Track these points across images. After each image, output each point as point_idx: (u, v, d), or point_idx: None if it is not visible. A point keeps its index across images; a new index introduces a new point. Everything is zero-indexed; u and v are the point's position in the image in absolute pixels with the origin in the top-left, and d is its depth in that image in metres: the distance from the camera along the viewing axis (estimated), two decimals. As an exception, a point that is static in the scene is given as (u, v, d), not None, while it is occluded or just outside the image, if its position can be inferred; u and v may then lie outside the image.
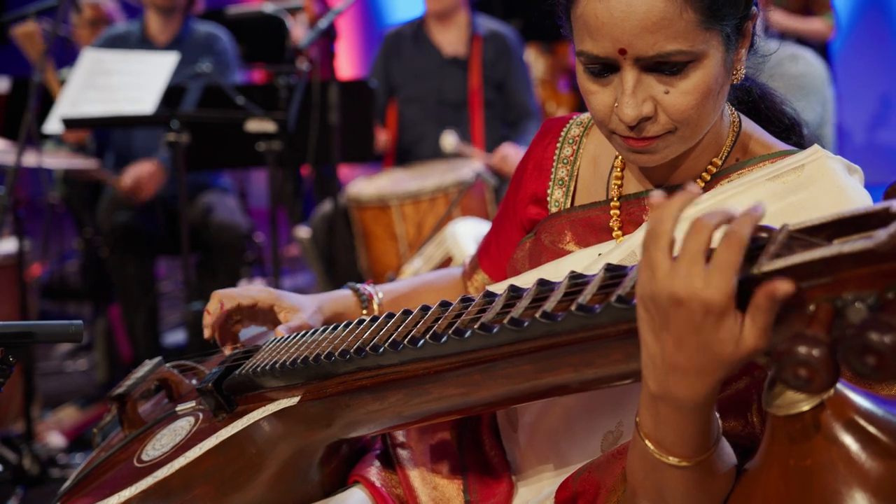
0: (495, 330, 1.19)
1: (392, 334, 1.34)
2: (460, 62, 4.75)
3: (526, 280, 1.48)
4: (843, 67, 6.76)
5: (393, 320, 1.39)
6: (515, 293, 1.26)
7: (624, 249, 1.43)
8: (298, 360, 1.43)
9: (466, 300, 1.32)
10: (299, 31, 5.35)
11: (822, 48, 5.55)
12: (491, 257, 1.74)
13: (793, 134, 1.54)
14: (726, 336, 0.98)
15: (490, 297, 1.29)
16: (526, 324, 1.16)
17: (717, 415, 1.14)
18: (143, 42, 4.53)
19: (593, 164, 1.59)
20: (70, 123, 3.29)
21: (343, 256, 4.30)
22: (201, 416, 1.58)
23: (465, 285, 1.80)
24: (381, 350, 1.32)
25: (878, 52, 7.70)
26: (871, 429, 1.04)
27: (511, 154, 4.45)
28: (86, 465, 1.67)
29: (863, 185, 1.39)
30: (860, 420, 1.04)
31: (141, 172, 4.17)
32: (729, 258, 0.97)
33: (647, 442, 1.13)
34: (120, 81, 3.45)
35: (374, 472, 1.55)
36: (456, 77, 4.75)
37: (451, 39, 4.78)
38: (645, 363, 1.07)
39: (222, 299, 1.65)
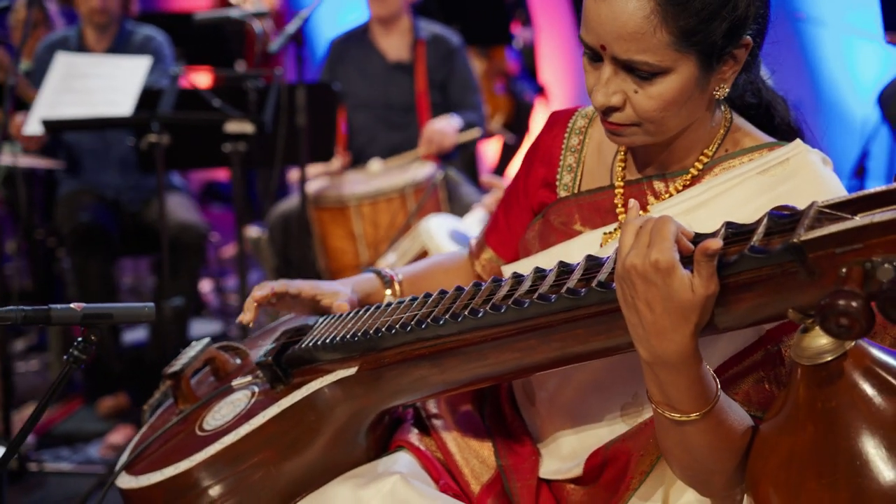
0: (553, 299, 1.37)
1: (449, 307, 1.51)
2: (405, 67, 4.88)
3: (542, 259, 1.66)
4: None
5: (448, 296, 1.55)
6: (565, 268, 1.43)
7: None
8: (359, 334, 1.58)
9: (518, 276, 1.49)
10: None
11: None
12: (499, 234, 1.89)
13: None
14: (679, 285, 1.24)
15: (541, 272, 1.46)
16: (583, 292, 1.34)
17: (713, 374, 1.36)
18: (81, 50, 4.53)
19: (598, 152, 1.76)
20: (50, 125, 3.37)
21: (300, 255, 4.43)
22: (257, 389, 1.72)
23: (473, 265, 1.96)
24: (442, 321, 1.48)
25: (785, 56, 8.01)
26: (885, 374, 1.23)
27: (433, 134, 4.59)
28: (141, 439, 1.79)
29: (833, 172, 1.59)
30: (875, 368, 1.23)
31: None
32: (663, 229, 1.26)
33: (659, 409, 1.36)
34: (95, 84, 3.54)
35: (415, 438, 1.72)
36: (402, 82, 4.88)
37: (395, 45, 4.92)
38: (633, 337, 1.32)
39: (274, 289, 1.80)
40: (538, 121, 7.57)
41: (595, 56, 1.52)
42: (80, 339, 1.60)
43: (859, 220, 1.13)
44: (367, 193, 4.37)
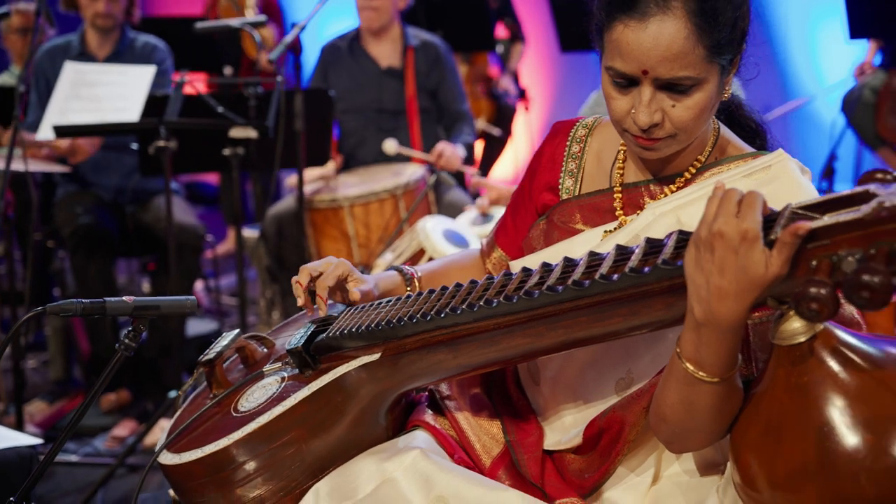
0: (560, 289, 1.55)
1: (465, 298, 1.69)
2: (396, 72, 5.04)
3: (547, 254, 1.85)
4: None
5: (463, 288, 1.73)
6: (570, 262, 1.61)
7: (628, 232, 1.79)
8: (382, 323, 1.76)
9: (527, 270, 1.67)
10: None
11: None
12: (508, 235, 2.08)
13: (758, 137, 1.93)
14: (758, 258, 1.33)
15: (548, 266, 1.64)
16: (587, 284, 1.52)
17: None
18: (83, 56, 4.63)
19: (597, 159, 1.95)
20: (61, 131, 3.52)
21: (293, 255, 4.59)
22: (286, 374, 1.89)
23: (484, 263, 2.15)
24: (459, 311, 1.66)
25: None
26: (849, 353, 1.41)
27: (446, 150, 4.77)
28: (178, 422, 1.96)
29: (811, 181, 1.78)
30: (841, 347, 1.41)
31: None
32: (754, 201, 1.35)
33: (687, 364, 1.49)
34: (104, 92, 3.69)
35: (430, 418, 1.90)
36: (393, 87, 5.04)
37: (386, 52, 5.07)
38: (692, 295, 1.41)
39: (311, 272, 1.96)
40: (520, 124, 7.77)
41: (628, 82, 1.69)
42: (130, 328, 1.77)
43: (827, 219, 1.31)
44: (360, 195, 4.53)
